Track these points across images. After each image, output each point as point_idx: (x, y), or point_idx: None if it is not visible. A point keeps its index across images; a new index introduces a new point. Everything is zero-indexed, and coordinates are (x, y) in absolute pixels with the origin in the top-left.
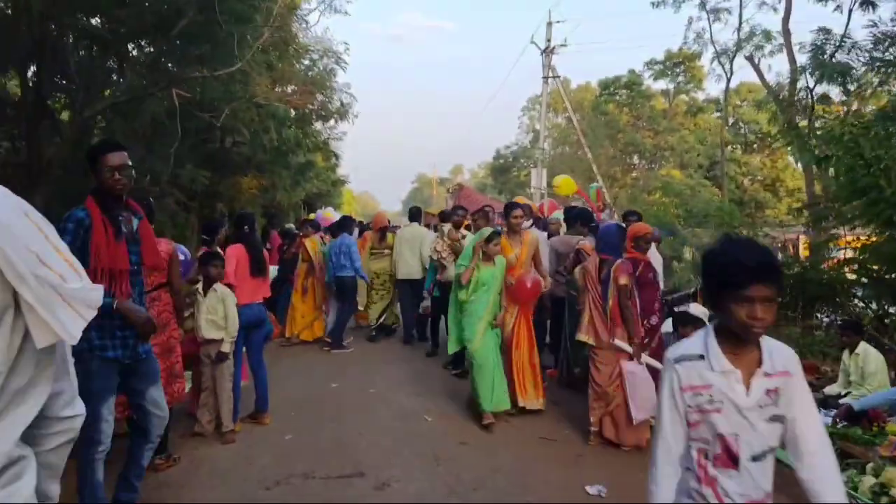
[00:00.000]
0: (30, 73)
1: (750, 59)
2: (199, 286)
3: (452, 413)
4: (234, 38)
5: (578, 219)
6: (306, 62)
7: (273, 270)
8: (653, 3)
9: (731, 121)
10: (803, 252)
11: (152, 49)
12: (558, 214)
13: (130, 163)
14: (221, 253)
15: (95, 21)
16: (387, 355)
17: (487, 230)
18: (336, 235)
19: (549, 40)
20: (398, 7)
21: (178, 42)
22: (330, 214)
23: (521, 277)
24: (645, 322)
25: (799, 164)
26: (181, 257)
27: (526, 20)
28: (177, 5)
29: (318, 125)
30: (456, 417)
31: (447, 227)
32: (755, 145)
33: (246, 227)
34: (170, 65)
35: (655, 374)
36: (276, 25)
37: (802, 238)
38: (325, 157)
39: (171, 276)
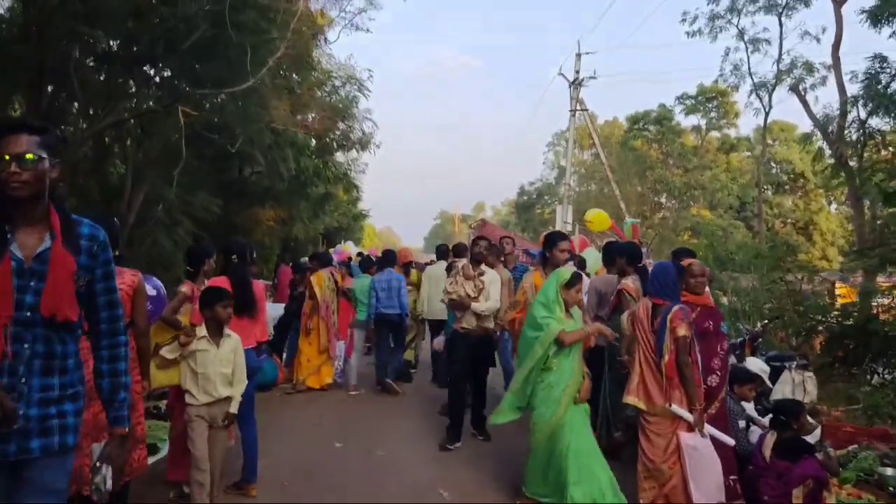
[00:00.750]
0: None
1: (795, 89)
2: (201, 330)
3: (473, 488)
4: (248, 53)
5: (624, 255)
6: (328, 89)
7: (275, 308)
8: (688, 33)
9: (766, 160)
10: (841, 299)
11: (161, 65)
12: (591, 252)
13: (42, 153)
14: (226, 288)
15: (102, 36)
16: (400, 406)
17: (567, 270)
18: (370, 270)
19: (577, 72)
20: (428, 43)
21: (188, 58)
22: (349, 248)
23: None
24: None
25: (834, 207)
26: (152, 292)
27: (551, 59)
28: (187, 17)
29: (338, 155)
30: (478, 494)
31: (462, 262)
32: (787, 186)
33: (234, 256)
34: (178, 82)
35: (720, 447)
36: (292, 39)
37: (838, 284)
38: (346, 190)
39: (134, 314)
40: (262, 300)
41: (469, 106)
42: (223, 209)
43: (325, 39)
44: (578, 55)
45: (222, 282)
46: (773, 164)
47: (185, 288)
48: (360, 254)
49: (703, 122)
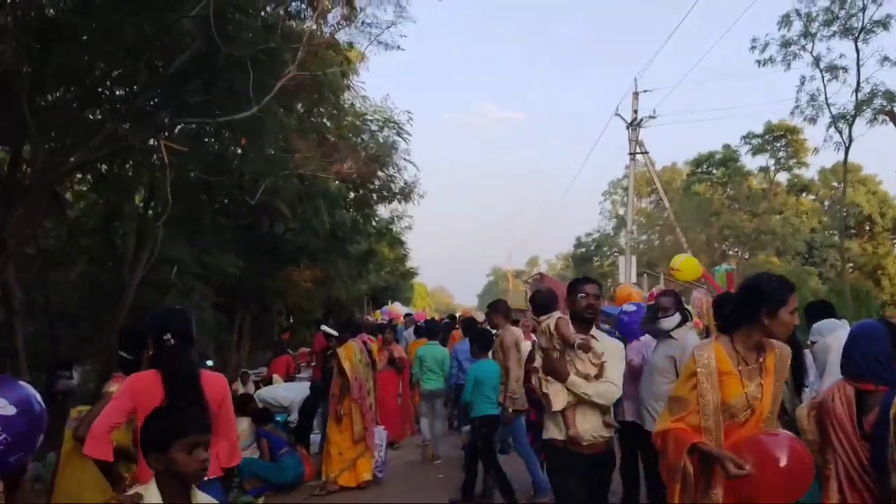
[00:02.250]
0: None
1: (890, 113)
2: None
3: None
4: (251, 74)
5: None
6: (365, 135)
7: (299, 388)
8: (759, 62)
9: (826, 203)
10: None
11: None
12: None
13: None
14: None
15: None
16: None
17: None
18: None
19: (635, 111)
20: (473, 96)
21: (176, 80)
22: (397, 309)
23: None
24: None
25: None
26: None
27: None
28: (173, 34)
29: (380, 208)
30: None
31: (551, 321)
32: (853, 230)
33: (169, 335)
34: (157, 106)
35: None
36: (308, 61)
37: None
38: (391, 246)
39: None
40: (226, 400)
41: (515, 158)
42: (253, 271)
43: (355, 77)
44: (636, 94)
45: (142, 380)
46: (837, 206)
47: (112, 387)
48: (408, 315)
49: (771, 163)
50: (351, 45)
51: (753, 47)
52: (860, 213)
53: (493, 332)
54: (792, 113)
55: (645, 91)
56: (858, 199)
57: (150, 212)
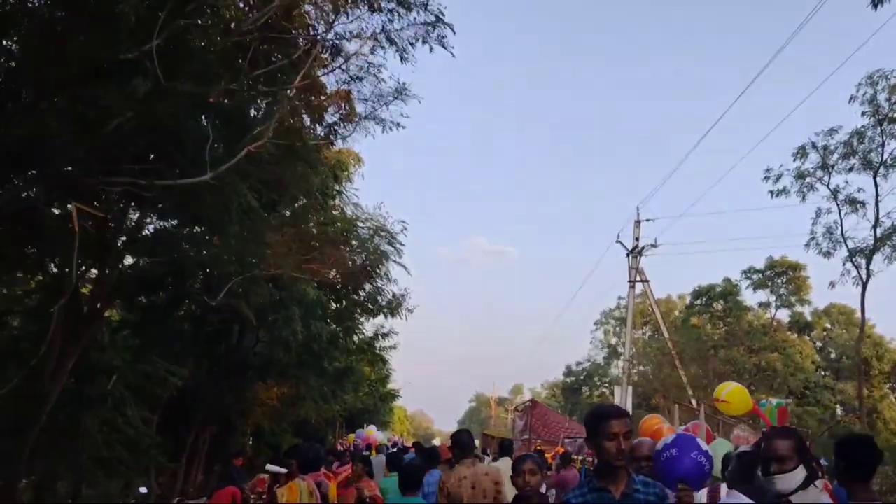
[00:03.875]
0: None
1: None
2: None
3: None
4: (209, 136)
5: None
6: (354, 243)
7: None
8: (772, 192)
9: (818, 345)
10: None
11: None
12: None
13: None
14: None
15: None
16: None
17: None
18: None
19: (637, 239)
20: (465, 233)
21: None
22: (373, 434)
23: None
24: None
25: None
26: None
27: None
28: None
29: (364, 322)
30: None
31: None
32: (846, 371)
33: None
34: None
35: None
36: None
37: None
38: (372, 365)
39: None
40: None
41: (504, 289)
42: (212, 385)
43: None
44: (637, 222)
45: None
46: (829, 348)
47: None
48: (395, 444)
49: (772, 299)
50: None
51: (767, 177)
52: (852, 355)
53: None
54: (807, 245)
55: (647, 220)
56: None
57: (86, 307)
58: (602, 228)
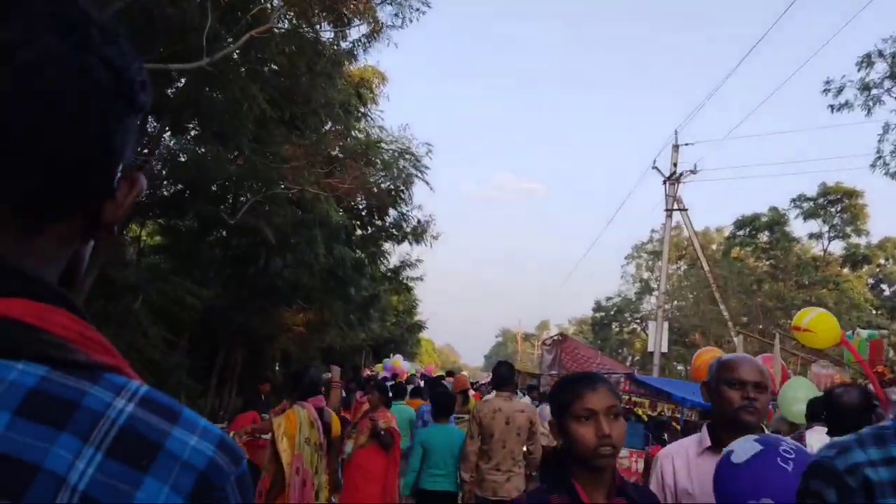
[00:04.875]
0: None
1: None
2: None
3: None
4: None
5: None
6: (379, 164)
7: None
8: (832, 107)
9: (870, 282)
10: None
11: None
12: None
13: None
14: None
15: None
16: None
17: None
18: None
19: (675, 165)
20: (493, 169)
21: None
22: (399, 364)
23: None
24: None
25: None
26: None
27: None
28: None
29: (388, 248)
30: None
31: None
32: None
33: None
34: None
35: None
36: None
37: None
38: (399, 294)
39: None
40: None
41: (533, 226)
42: (240, 309)
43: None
44: (675, 146)
45: None
46: (882, 285)
47: None
48: (423, 375)
49: (825, 229)
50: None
51: (826, 90)
52: None
53: None
54: (873, 165)
55: (686, 144)
56: None
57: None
58: (637, 163)
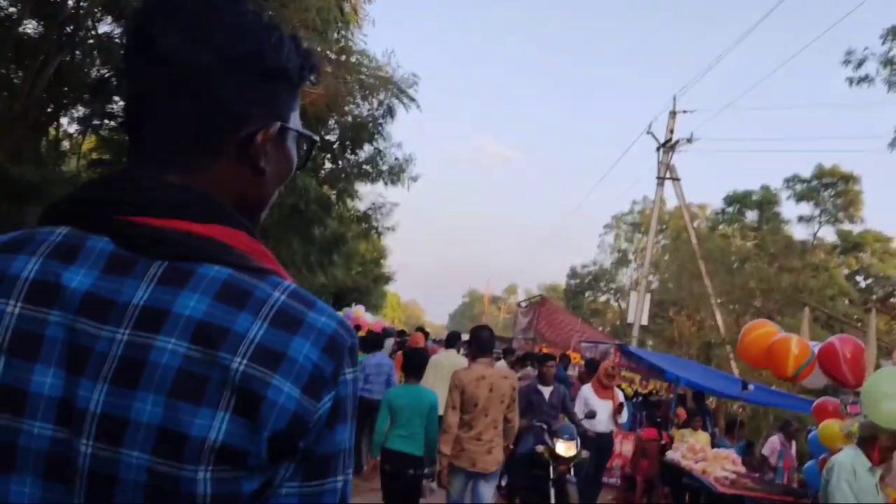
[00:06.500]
0: None
1: None
2: None
3: None
4: None
5: None
6: (357, 90)
7: None
8: (850, 80)
9: (846, 272)
10: None
11: None
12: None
13: None
14: None
15: None
16: None
17: None
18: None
19: (671, 131)
20: (474, 131)
21: None
22: (360, 314)
23: None
24: None
25: None
26: None
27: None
28: None
29: (361, 189)
30: None
31: None
32: (877, 304)
33: None
34: None
35: None
36: None
37: None
38: (366, 238)
39: None
40: None
41: (508, 190)
42: None
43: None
44: (673, 113)
45: None
46: (858, 277)
47: None
48: (384, 329)
49: (817, 212)
50: None
51: (847, 61)
52: (888, 285)
53: None
54: (891, 144)
55: (684, 112)
56: (889, 272)
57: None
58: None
